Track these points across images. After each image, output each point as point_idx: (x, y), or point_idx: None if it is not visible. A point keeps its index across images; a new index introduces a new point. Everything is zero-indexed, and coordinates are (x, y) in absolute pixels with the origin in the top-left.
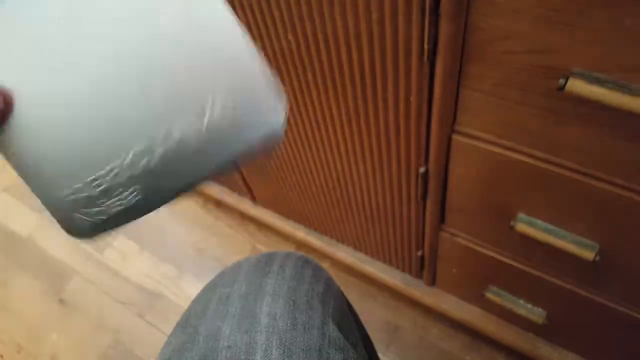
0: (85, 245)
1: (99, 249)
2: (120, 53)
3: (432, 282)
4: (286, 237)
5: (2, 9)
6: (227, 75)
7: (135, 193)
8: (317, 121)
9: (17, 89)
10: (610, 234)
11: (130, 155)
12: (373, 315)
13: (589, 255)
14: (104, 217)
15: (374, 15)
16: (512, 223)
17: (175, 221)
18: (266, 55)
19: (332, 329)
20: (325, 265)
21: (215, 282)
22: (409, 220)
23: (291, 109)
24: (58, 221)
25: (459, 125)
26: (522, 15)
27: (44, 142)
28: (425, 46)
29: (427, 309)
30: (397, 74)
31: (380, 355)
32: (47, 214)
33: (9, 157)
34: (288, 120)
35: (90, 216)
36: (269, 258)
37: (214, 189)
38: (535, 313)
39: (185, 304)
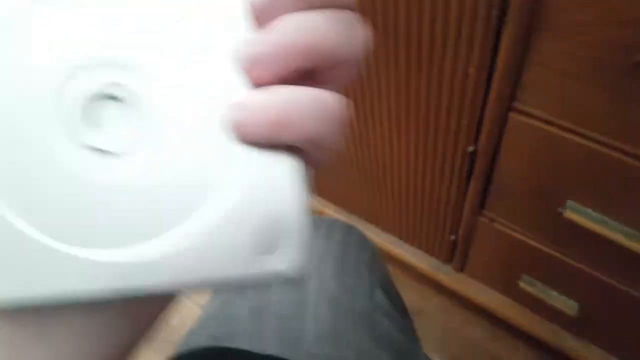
0: None
1: None
2: None
3: (461, 268)
4: (313, 214)
5: None
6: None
7: None
8: (361, 92)
9: None
10: None
11: None
12: None
13: (637, 247)
14: None
15: None
16: (560, 210)
17: None
18: None
19: (379, 296)
20: None
21: None
22: (447, 202)
23: None
24: None
25: (518, 103)
26: None
27: None
28: (494, 12)
29: (453, 295)
30: (458, 42)
31: None
32: None
33: None
34: None
35: None
36: (315, 222)
37: None
38: (567, 305)
39: None
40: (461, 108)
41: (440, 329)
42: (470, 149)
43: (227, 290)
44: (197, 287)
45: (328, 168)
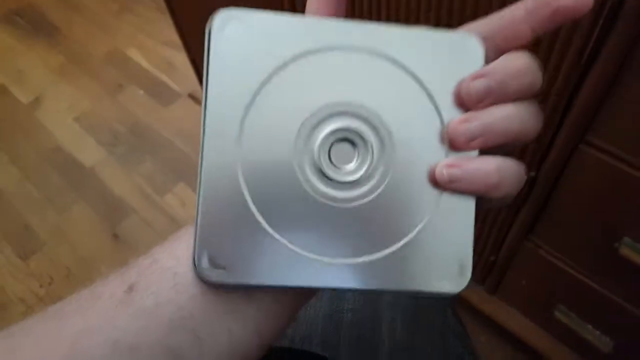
0: (145, 186)
1: (160, 192)
2: None
3: (494, 290)
4: None
5: None
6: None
7: None
8: None
9: None
10: None
11: None
12: None
13: None
14: None
15: None
16: (615, 245)
17: None
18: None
19: (451, 316)
20: None
21: None
22: (494, 223)
23: None
24: None
25: (592, 136)
26: None
27: None
28: (589, 47)
29: (480, 316)
30: (544, 68)
31: None
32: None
33: None
34: None
35: None
36: None
37: None
38: (601, 341)
39: None
40: None
41: None
42: (532, 174)
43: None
44: (387, 293)
45: None
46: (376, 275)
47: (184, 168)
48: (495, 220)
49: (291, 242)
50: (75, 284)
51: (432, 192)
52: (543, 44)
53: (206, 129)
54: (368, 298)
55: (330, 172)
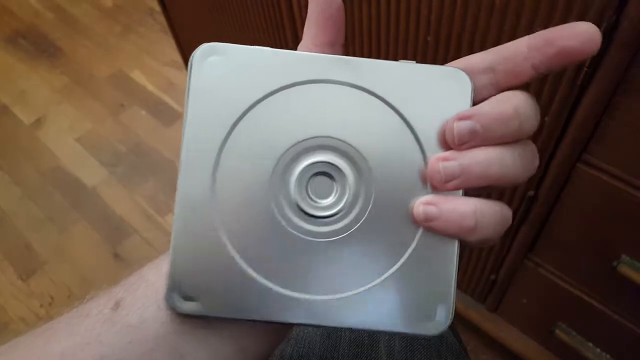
0: (147, 206)
1: (161, 212)
2: None
3: (495, 308)
4: None
5: None
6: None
7: None
8: None
9: None
10: None
11: None
12: None
13: None
14: None
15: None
16: (614, 263)
17: None
18: (399, 55)
19: (448, 333)
20: None
21: None
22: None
23: None
24: None
25: (588, 155)
26: None
27: None
28: (585, 69)
29: (482, 334)
30: (540, 92)
31: None
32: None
33: None
34: None
35: None
36: None
37: None
38: (602, 359)
39: None
40: None
41: None
42: (531, 193)
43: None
44: (363, 332)
45: None
46: (351, 313)
47: None
48: None
49: (265, 277)
50: (77, 303)
51: (412, 230)
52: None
53: (182, 162)
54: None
55: (307, 206)
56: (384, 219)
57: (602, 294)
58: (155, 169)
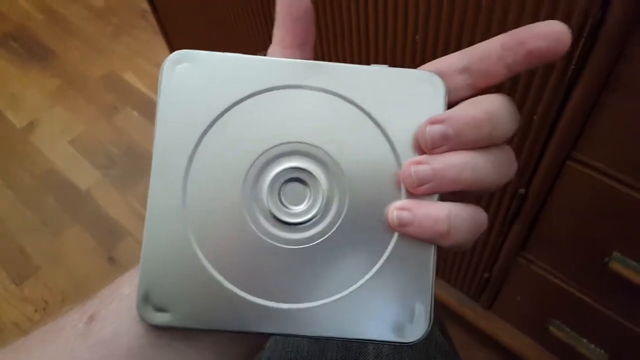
0: (141, 208)
1: None
2: None
3: (489, 306)
4: None
5: None
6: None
7: None
8: None
9: None
10: None
11: None
12: None
13: None
14: None
15: None
16: (606, 260)
17: None
18: (388, 53)
19: (437, 334)
20: None
21: None
22: (487, 240)
23: None
24: None
25: (578, 152)
26: None
27: None
28: (572, 67)
29: (476, 332)
30: (527, 91)
31: None
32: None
33: None
34: None
35: None
36: None
37: None
38: (596, 354)
39: None
40: (519, 150)
41: None
42: (521, 191)
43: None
44: (338, 340)
45: None
46: (326, 321)
47: None
48: (488, 237)
49: (238, 286)
50: None
51: (387, 235)
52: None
53: (153, 170)
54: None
55: (279, 213)
56: (359, 225)
57: (594, 291)
58: (149, 171)
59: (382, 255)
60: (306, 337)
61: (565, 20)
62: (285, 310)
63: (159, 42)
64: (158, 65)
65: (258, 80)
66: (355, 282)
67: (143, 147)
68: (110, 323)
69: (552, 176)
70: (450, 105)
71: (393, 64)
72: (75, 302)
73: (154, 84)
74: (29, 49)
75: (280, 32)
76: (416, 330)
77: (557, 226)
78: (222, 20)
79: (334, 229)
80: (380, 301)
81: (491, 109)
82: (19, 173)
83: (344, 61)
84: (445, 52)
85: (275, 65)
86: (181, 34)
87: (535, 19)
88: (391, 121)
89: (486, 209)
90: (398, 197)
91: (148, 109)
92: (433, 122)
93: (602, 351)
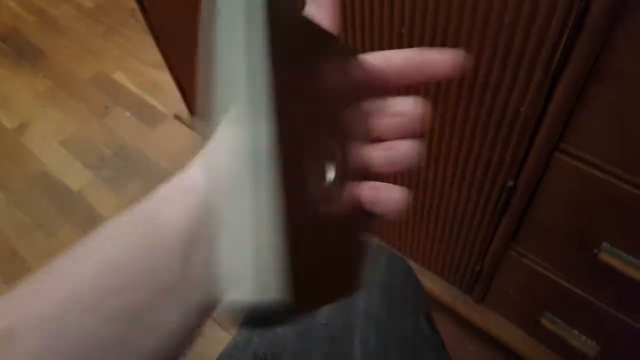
0: None
1: None
2: None
3: (482, 299)
4: None
5: None
6: None
7: None
8: None
9: None
10: None
11: None
12: None
13: None
14: None
15: (507, 20)
16: (595, 251)
17: None
18: (374, 46)
19: (425, 325)
20: None
21: None
22: (477, 233)
23: None
24: None
25: (565, 144)
26: None
27: None
28: (556, 58)
29: (469, 325)
30: (514, 82)
31: None
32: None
33: None
34: None
35: None
36: None
37: None
38: (588, 346)
39: None
40: (507, 143)
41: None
42: (510, 183)
43: None
44: None
45: None
46: None
47: None
48: (478, 230)
49: None
50: None
51: None
52: (512, 56)
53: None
54: (341, 310)
55: None
56: None
57: (585, 282)
58: (140, 170)
59: None
60: None
61: (550, 10)
62: None
63: (150, 41)
64: (149, 64)
65: None
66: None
67: (134, 146)
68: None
69: (540, 168)
70: None
71: None
72: None
73: (145, 84)
74: (19, 50)
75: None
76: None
77: (546, 218)
78: None
79: None
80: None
81: None
82: (11, 175)
83: None
84: (432, 45)
85: None
86: (170, 32)
87: (519, 9)
88: None
89: (475, 202)
90: None
91: (139, 108)
92: None
93: (594, 342)
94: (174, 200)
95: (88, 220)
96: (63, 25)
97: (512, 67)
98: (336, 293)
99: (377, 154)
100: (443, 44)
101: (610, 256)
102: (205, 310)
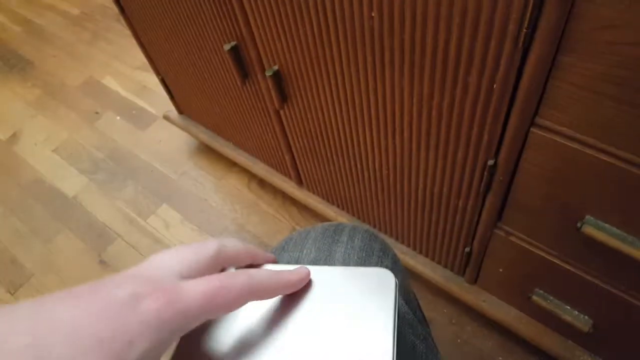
0: (128, 210)
1: (143, 215)
2: None
3: (474, 280)
4: (328, 221)
5: None
6: None
7: None
8: (384, 103)
9: None
10: None
11: None
12: None
13: None
14: None
15: None
16: (578, 225)
17: (219, 196)
18: (348, 30)
19: (401, 304)
20: None
21: (283, 246)
22: (464, 214)
23: (358, 87)
24: None
25: (541, 119)
26: (636, 4)
27: None
28: (524, 30)
29: (464, 306)
30: (485, 59)
31: None
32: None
33: None
34: (351, 99)
35: None
36: (337, 228)
37: (260, 168)
38: (581, 320)
39: None
40: (483, 122)
41: (450, 340)
42: (490, 162)
43: None
44: None
45: (347, 179)
46: None
47: (165, 189)
48: (464, 212)
49: None
50: None
51: None
52: (480, 31)
53: None
54: None
55: None
56: None
57: (572, 256)
58: (133, 173)
59: None
60: None
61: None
62: None
63: (136, 45)
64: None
65: None
66: None
67: (126, 149)
68: None
69: (518, 144)
70: None
71: (352, 42)
72: None
73: (134, 87)
74: (7, 61)
75: None
76: None
77: (529, 195)
78: (184, 16)
79: None
80: None
81: None
82: (6, 185)
83: (302, 37)
84: (401, 29)
85: None
86: (149, 33)
87: None
88: None
89: (458, 182)
90: None
91: (129, 112)
92: None
93: (587, 317)
94: None
95: (85, 225)
96: (49, 34)
97: (482, 42)
98: None
99: None
100: (413, 27)
101: (594, 229)
102: None
